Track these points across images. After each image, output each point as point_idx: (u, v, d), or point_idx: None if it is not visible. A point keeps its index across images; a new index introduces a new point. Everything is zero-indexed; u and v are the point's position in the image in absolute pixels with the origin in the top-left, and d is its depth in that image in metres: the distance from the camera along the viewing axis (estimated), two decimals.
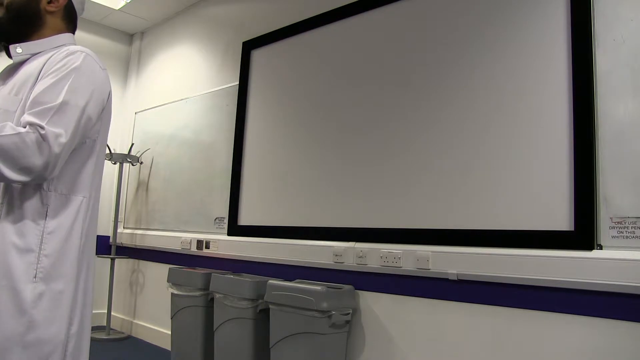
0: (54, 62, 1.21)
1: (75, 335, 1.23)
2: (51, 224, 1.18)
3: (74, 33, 1.43)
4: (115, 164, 4.33)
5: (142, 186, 4.37)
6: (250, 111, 3.38)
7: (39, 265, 1.15)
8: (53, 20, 1.34)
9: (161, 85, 4.47)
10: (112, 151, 4.32)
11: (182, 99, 4.09)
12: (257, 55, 3.42)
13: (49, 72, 1.19)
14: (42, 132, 1.09)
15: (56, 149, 1.10)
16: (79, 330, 1.24)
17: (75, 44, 1.35)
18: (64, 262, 1.20)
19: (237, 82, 3.50)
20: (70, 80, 1.18)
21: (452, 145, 2.26)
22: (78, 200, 1.25)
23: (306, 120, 2.97)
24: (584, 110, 1.87)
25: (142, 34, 4.92)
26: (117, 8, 4.40)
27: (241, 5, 3.74)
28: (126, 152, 4.35)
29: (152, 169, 4.29)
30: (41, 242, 1.16)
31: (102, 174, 1.37)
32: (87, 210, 1.28)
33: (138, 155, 4.37)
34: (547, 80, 2.00)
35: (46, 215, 1.18)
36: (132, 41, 5.00)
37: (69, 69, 1.20)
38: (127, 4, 4.32)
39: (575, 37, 1.93)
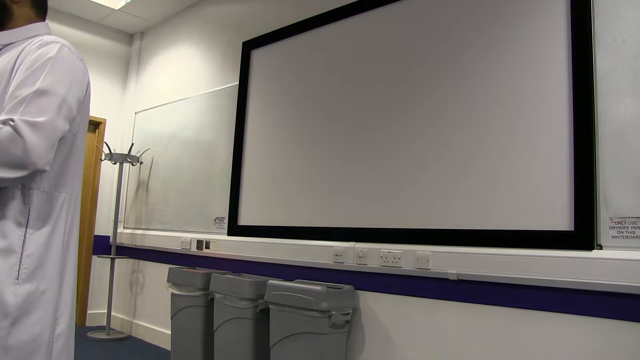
0: (28, 55, 1.17)
1: (63, 335, 1.20)
2: (34, 223, 1.15)
3: (44, 19, 1.36)
4: (115, 164, 4.33)
5: (142, 186, 4.37)
6: (250, 111, 3.38)
7: (21, 266, 1.11)
8: (21, 11, 1.28)
9: (161, 85, 4.47)
10: (112, 151, 4.32)
11: (182, 99, 4.10)
12: (257, 55, 3.42)
13: (23, 67, 1.15)
14: (12, 124, 1.05)
15: (32, 137, 1.05)
16: (67, 328, 1.21)
17: (50, 34, 1.30)
18: (48, 261, 1.16)
19: (237, 82, 3.50)
20: (45, 70, 1.13)
21: (452, 145, 2.26)
22: (61, 197, 1.22)
23: (306, 120, 2.97)
24: (584, 110, 1.87)
25: (142, 34, 4.92)
26: (117, 8, 4.40)
27: (241, 5, 3.74)
28: (126, 152, 4.35)
29: (152, 169, 4.29)
30: (24, 242, 1.13)
31: (82, 169, 1.33)
32: (70, 207, 1.25)
33: (138, 155, 4.37)
34: (547, 80, 2.00)
35: (29, 215, 1.15)
36: (132, 41, 5.00)
37: (43, 60, 1.15)
38: (127, 4, 4.32)
39: (575, 37, 1.93)
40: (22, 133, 1.05)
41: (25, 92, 1.10)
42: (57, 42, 1.20)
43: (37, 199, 1.17)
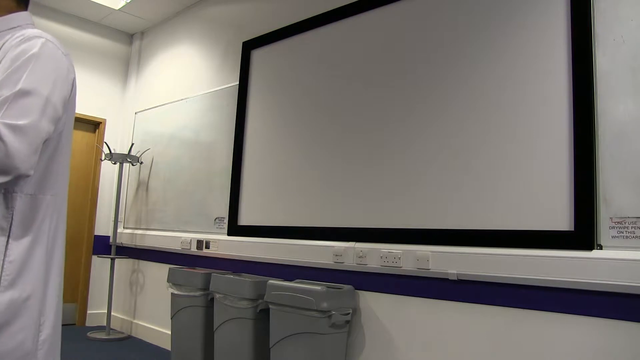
0: (9, 51, 1.10)
1: (47, 341, 1.15)
2: (17, 228, 1.09)
3: (26, 8, 1.27)
4: (115, 164, 4.33)
5: (142, 186, 4.37)
6: (250, 111, 3.38)
7: (3, 273, 1.06)
8: (0, 0, 1.20)
9: (161, 85, 4.47)
10: (112, 151, 4.32)
11: (182, 99, 4.10)
12: (257, 55, 3.42)
13: (4, 64, 1.08)
14: None
15: (14, 141, 1.00)
16: (51, 334, 1.16)
17: (32, 25, 1.22)
18: (31, 266, 1.11)
19: (237, 82, 3.50)
20: (28, 68, 1.07)
21: (452, 145, 2.26)
22: (46, 200, 1.16)
23: (306, 120, 2.97)
24: (584, 110, 1.87)
25: (142, 34, 4.92)
26: (117, 8, 4.40)
27: (241, 5, 3.74)
28: (126, 152, 4.35)
29: (152, 169, 4.29)
30: (6, 248, 1.07)
31: (68, 169, 1.27)
32: (55, 210, 1.19)
33: (138, 155, 4.37)
34: (547, 80, 2.00)
35: (12, 219, 1.09)
36: (132, 41, 5.00)
37: (26, 57, 1.08)
38: (127, 4, 4.32)
39: (575, 37, 1.93)
40: (4, 137, 0.99)
41: (7, 92, 1.04)
42: (40, 37, 1.12)
43: (20, 202, 1.11)
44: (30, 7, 1.29)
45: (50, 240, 1.18)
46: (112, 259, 4.22)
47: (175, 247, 3.74)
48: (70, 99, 1.20)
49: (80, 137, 4.66)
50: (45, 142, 1.11)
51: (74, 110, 1.27)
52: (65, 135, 1.22)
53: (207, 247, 3.44)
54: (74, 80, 1.20)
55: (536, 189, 1.97)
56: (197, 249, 3.53)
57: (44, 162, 1.16)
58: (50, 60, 1.12)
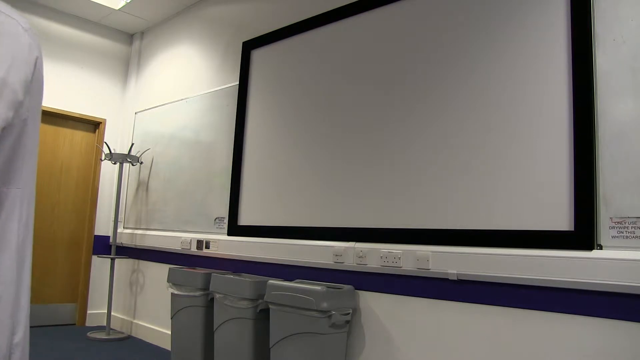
0: None
1: (21, 343, 1.07)
2: None
3: None
4: (115, 164, 4.33)
5: (142, 186, 4.37)
6: (250, 111, 3.38)
7: None
8: None
9: (161, 85, 4.47)
10: (112, 151, 4.32)
11: (182, 99, 4.10)
12: (257, 55, 3.42)
13: None
14: None
15: None
16: (24, 336, 1.08)
17: None
18: (0, 265, 1.01)
19: (237, 82, 3.50)
20: None
21: (452, 145, 2.26)
22: (12, 194, 1.04)
23: (306, 120, 2.97)
24: (584, 110, 1.87)
25: (142, 34, 4.92)
26: (117, 8, 4.40)
27: (241, 5, 3.74)
28: (126, 152, 4.35)
29: (152, 169, 4.29)
30: None
31: (36, 160, 1.14)
32: (24, 204, 1.08)
33: (138, 155, 4.37)
34: (547, 80, 2.00)
35: None
36: (132, 41, 5.00)
37: None
38: (127, 4, 4.32)
39: (575, 37, 1.93)
40: None
41: None
42: None
43: None
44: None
45: (21, 238, 1.07)
46: (112, 259, 4.22)
47: (175, 247, 3.74)
48: (34, 82, 1.06)
49: (80, 137, 4.67)
50: (5, 129, 0.98)
51: (41, 94, 1.13)
52: (31, 123, 1.08)
53: (207, 247, 3.44)
54: (37, 59, 1.05)
55: (536, 189, 1.97)
56: (197, 249, 3.53)
57: (5, 152, 1.02)
58: (6, 36, 0.97)
